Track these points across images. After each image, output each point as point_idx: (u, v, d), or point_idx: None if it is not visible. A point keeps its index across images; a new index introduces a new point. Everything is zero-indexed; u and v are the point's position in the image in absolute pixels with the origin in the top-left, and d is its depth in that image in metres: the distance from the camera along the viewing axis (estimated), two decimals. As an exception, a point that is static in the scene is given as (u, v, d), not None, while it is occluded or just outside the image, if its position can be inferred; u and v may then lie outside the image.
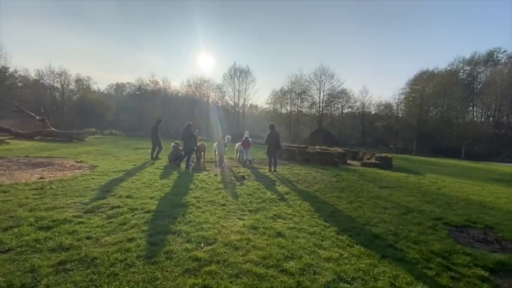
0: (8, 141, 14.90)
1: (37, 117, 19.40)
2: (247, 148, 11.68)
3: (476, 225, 5.09)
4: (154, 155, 11.64)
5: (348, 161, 15.23)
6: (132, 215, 4.54)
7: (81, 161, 9.69)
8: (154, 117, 39.17)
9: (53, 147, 13.52)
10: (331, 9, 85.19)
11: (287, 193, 6.59)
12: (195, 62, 73.57)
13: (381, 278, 3.06)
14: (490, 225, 5.03)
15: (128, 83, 50.32)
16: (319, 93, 41.34)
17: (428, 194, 7.58)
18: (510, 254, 3.88)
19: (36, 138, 17.73)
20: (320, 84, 41.20)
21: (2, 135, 17.23)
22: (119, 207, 4.91)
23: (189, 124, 9.92)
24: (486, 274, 3.32)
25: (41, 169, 8.06)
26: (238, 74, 43.08)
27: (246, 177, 8.42)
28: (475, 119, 37.23)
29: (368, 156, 15.68)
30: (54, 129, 19.19)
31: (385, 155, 14.94)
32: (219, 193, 6.25)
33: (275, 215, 4.96)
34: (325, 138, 34.89)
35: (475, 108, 37.67)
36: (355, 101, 42.15)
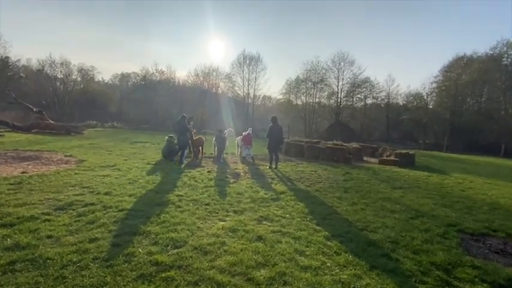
0: (3, 134, 15.55)
1: (34, 109, 20.12)
2: (248, 144, 11.58)
3: (497, 233, 4.77)
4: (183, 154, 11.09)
5: (365, 158, 14.84)
6: (104, 214, 4.56)
7: (70, 155, 9.95)
8: (159, 109, 40.24)
9: (48, 141, 13.99)
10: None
11: (282, 192, 6.46)
12: (204, 50, 74.04)
13: (362, 291, 2.88)
14: (513, 234, 4.69)
15: (133, 72, 51.30)
16: (338, 82, 40.49)
17: (448, 196, 7.22)
18: (529, 269, 3.58)
19: (34, 131, 18.43)
20: (339, 72, 40.31)
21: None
22: (92, 204, 4.96)
23: (183, 116, 9.92)
24: (493, 292, 3.07)
25: (27, 163, 8.32)
26: (247, 62, 42.85)
27: (241, 174, 8.34)
28: (520, 111, 35.26)
29: (388, 153, 15.20)
30: (52, 121, 19.86)
31: (406, 151, 14.42)
32: (206, 191, 6.20)
33: (262, 217, 4.85)
34: (344, 133, 34.16)
35: (520, 99, 35.64)
36: (380, 91, 40.94)
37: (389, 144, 26.67)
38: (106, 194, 5.61)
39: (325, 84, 41.45)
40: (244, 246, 3.70)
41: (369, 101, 41.94)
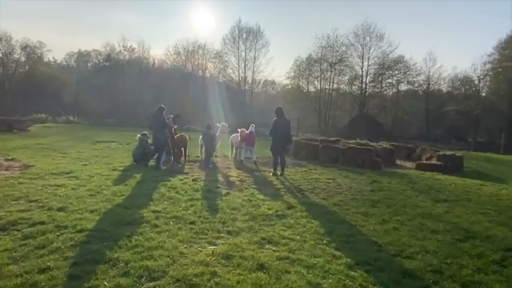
0: None
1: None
2: (251, 146, 11.61)
3: None
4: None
5: (398, 162, 14.91)
6: (58, 235, 4.58)
7: (12, 159, 9.97)
8: (128, 99, 40.24)
9: (-18, 140, 14.01)
10: None
11: (291, 207, 6.49)
12: (187, 21, 74.18)
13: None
14: None
15: (94, 50, 51.37)
16: (362, 63, 40.63)
17: (508, 211, 7.26)
18: None
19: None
20: (363, 49, 40.49)
21: None
22: (42, 223, 4.98)
23: (160, 107, 9.95)
24: None
25: (-46, 170, 8.34)
26: (244, 36, 42.98)
27: (237, 183, 8.37)
28: None
29: (428, 155, 15.27)
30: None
31: (452, 153, 14.48)
32: (191, 206, 6.24)
33: (264, 239, 4.88)
34: (371, 129, 34.30)
35: None
36: (417, 74, 41.09)
37: (430, 143, 26.74)
38: (60, 209, 5.63)
39: (346, 66, 41.66)
40: (242, 277, 3.71)
41: (403, 87, 42.25)
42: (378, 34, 40.11)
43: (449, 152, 14.90)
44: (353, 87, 41.93)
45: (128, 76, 41.48)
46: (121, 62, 44.33)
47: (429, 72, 41.13)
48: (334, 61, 41.50)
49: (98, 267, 3.77)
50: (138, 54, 47.22)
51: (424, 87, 41.39)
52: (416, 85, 41.61)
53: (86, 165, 9.86)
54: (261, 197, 7.21)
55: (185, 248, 4.43)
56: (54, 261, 3.84)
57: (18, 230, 4.70)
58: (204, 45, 45.42)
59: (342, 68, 41.65)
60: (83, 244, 4.35)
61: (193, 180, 8.48)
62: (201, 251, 4.37)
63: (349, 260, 4.31)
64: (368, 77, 40.92)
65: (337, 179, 9.76)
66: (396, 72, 41.19)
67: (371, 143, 15.64)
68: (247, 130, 11.80)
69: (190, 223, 5.36)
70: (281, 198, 7.21)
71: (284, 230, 5.27)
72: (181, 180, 8.43)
